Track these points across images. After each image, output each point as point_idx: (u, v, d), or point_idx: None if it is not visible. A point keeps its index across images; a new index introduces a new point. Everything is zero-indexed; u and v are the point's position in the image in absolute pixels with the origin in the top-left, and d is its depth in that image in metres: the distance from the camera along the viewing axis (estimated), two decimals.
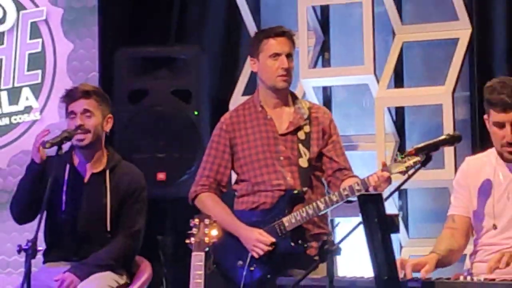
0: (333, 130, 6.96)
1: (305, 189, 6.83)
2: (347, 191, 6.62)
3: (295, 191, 6.85)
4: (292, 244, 6.67)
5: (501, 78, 6.35)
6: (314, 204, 6.72)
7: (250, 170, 7.00)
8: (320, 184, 6.94)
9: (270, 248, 6.75)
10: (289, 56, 6.91)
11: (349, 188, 6.60)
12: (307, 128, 6.90)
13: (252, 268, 6.85)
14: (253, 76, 8.21)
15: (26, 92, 8.41)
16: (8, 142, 8.46)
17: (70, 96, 7.01)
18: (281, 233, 6.77)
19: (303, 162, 6.85)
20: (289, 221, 6.76)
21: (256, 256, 6.82)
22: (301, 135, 6.90)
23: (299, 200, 6.84)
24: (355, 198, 6.42)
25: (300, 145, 6.88)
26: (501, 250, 6.17)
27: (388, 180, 6.46)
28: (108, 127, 7.02)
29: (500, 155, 6.24)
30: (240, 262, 6.89)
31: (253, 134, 7.04)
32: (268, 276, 6.79)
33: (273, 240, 6.74)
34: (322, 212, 6.72)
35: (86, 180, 7.00)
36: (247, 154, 7.01)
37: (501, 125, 6.19)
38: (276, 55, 6.90)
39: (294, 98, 7.05)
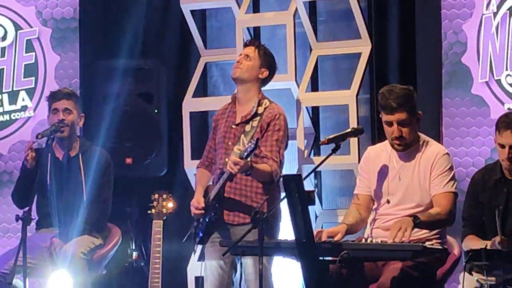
0: (271, 126, 6.84)
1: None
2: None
3: (224, 170, 6.76)
4: (213, 213, 6.69)
5: (390, 86, 6.44)
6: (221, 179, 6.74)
7: (217, 150, 6.99)
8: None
9: (198, 212, 6.78)
10: (247, 56, 6.96)
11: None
12: (255, 123, 6.83)
13: (199, 227, 6.89)
14: (200, 81, 8.23)
15: (22, 94, 8.37)
16: (8, 134, 8.42)
17: (54, 97, 7.13)
18: (207, 203, 6.79)
19: (239, 147, 6.81)
20: (212, 192, 6.79)
21: (192, 214, 6.85)
22: (247, 127, 6.83)
23: (230, 177, 6.74)
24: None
25: (242, 135, 6.79)
26: (393, 219, 6.23)
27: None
28: (81, 122, 7.15)
29: (392, 146, 6.29)
30: (195, 223, 6.89)
31: (221, 123, 7.02)
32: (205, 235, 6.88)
33: (202, 205, 6.76)
34: (219, 185, 6.72)
35: (64, 163, 7.02)
36: (217, 138, 6.99)
37: (390, 124, 6.27)
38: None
39: (261, 96, 6.97)
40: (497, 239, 6.32)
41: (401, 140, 6.26)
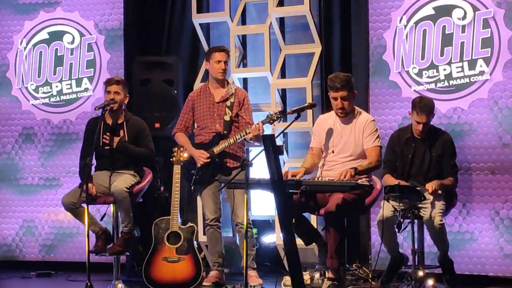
0: (246, 102, 7.03)
1: (226, 132, 6.89)
2: (242, 133, 6.77)
3: (221, 133, 6.89)
4: (217, 160, 6.70)
5: (336, 73, 6.61)
6: (228, 140, 6.82)
7: (200, 121, 7.00)
8: (237, 130, 6.93)
9: (206, 160, 6.80)
10: (225, 62, 6.91)
11: (243, 131, 6.76)
12: (232, 100, 6.97)
13: (199, 173, 6.89)
14: (206, 72, 8.15)
15: (85, 80, 8.31)
16: (75, 107, 8.33)
17: (108, 82, 7.10)
18: (211, 154, 6.80)
19: (227, 118, 6.93)
20: (216, 148, 6.82)
21: (200, 163, 6.86)
22: (228, 103, 6.95)
23: (223, 138, 6.87)
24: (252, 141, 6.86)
25: (227, 109, 6.92)
26: (336, 164, 6.29)
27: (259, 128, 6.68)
28: (126, 100, 7.08)
29: (336, 114, 6.30)
30: (193, 171, 6.90)
31: (203, 102, 7.04)
32: (207, 178, 6.92)
33: (208, 155, 6.81)
34: (232, 141, 6.81)
35: (113, 128, 6.97)
36: (199, 113, 7.01)
37: (335, 99, 6.32)
38: (219, 61, 6.88)
39: (227, 83, 7.07)
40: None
41: (343, 110, 6.32)
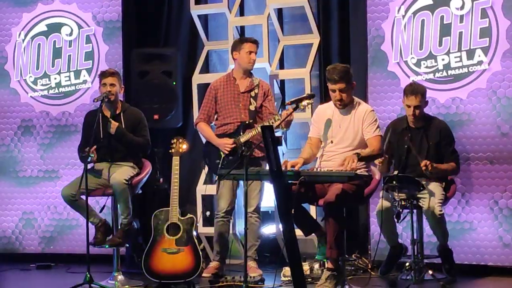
0: (269, 93, 7.10)
1: (251, 121, 6.94)
2: (270, 121, 6.78)
3: (246, 122, 6.93)
4: (243, 149, 6.65)
5: (334, 65, 6.56)
6: (255, 129, 6.87)
7: (224, 110, 7.02)
8: (261, 120, 6.98)
9: (231, 146, 6.87)
10: (255, 53, 7.02)
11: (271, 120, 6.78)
12: (256, 90, 7.02)
13: (224, 162, 6.90)
14: (205, 63, 8.14)
15: (83, 72, 8.30)
16: (74, 99, 8.31)
17: (103, 75, 7.12)
18: (238, 143, 6.84)
19: (252, 108, 6.98)
20: (243, 137, 6.88)
21: (225, 152, 6.91)
22: (252, 94, 7.01)
23: (248, 127, 6.92)
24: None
25: (251, 99, 6.98)
26: (334, 154, 6.29)
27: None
28: (122, 91, 7.12)
29: (335, 105, 6.28)
30: (218, 161, 6.93)
31: (227, 91, 7.06)
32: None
33: (232, 141, 6.86)
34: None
35: (111, 118, 6.96)
36: (223, 102, 7.03)
37: (333, 91, 6.31)
38: (251, 52, 6.99)
39: (252, 75, 7.12)
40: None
41: (341, 102, 6.28)
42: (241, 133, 6.89)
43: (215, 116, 7.09)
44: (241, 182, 6.83)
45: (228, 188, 6.99)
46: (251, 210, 6.89)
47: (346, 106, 6.30)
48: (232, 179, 6.52)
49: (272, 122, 6.71)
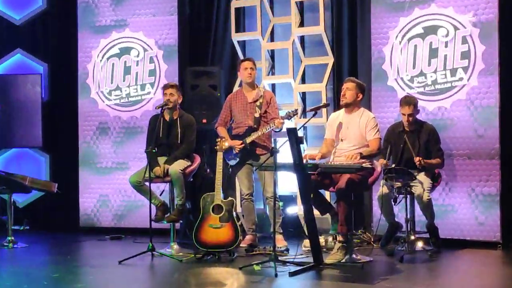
0: (272, 101, 6.98)
1: (256, 126, 6.84)
2: (270, 126, 6.72)
3: (252, 126, 6.84)
4: (248, 148, 6.70)
5: (348, 78, 6.42)
6: (257, 132, 6.79)
7: (236, 117, 6.99)
8: (265, 124, 6.88)
9: (241, 146, 6.82)
10: (251, 68, 6.93)
11: (270, 125, 6.71)
12: (260, 100, 6.92)
13: (236, 158, 6.88)
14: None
15: (148, 85, 8.31)
16: (140, 106, 8.37)
17: (165, 87, 7.09)
18: (245, 143, 6.79)
19: (256, 115, 6.87)
20: (249, 138, 6.80)
21: (236, 150, 6.85)
22: (258, 103, 6.91)
23: (254, 130, 6.82)
24: (276, 129, 6.76)
25: (256, 108, 6.87)
26: (345, 151, 6.25)
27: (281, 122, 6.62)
28: (180, 100, 7.06)
29: (340, 105, 6.29)
30: (231, 156, 6.89)
31: (238, 102, 7.01)
32: (241, 162, 6.91)
33: (241, 142, 6.80)
34: (261, 134, 6.78)
35: (170, 122, 6.97)
36: (236, 111, 6.98)
37: (342, 89, 6.29)
38: (246, 68, 6.93)
39: (257, 87, 7.03)
40: (383, 161, 6.49)
41: (344, 99, 6.30)
42: (248, 135, 6.88)
43: (232, 121, 7.14)
44: (255, 172, 6.93)
45: (244, 176, 7.01)
46: (268, 195, 6.89)
47: (348, 105, 6.28)
48: (264, 170, 6.52)
49: (269, 127, 6.76)
